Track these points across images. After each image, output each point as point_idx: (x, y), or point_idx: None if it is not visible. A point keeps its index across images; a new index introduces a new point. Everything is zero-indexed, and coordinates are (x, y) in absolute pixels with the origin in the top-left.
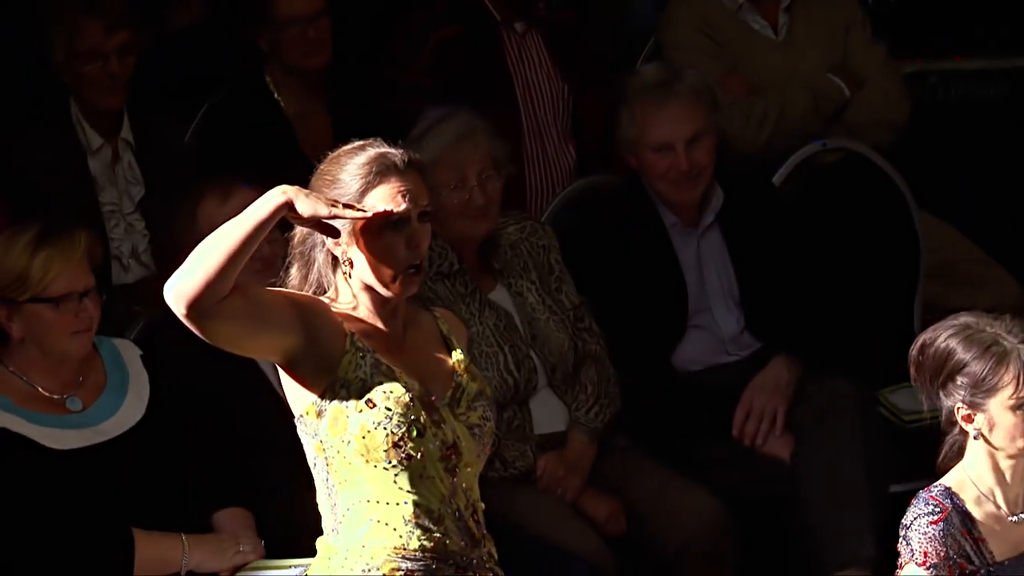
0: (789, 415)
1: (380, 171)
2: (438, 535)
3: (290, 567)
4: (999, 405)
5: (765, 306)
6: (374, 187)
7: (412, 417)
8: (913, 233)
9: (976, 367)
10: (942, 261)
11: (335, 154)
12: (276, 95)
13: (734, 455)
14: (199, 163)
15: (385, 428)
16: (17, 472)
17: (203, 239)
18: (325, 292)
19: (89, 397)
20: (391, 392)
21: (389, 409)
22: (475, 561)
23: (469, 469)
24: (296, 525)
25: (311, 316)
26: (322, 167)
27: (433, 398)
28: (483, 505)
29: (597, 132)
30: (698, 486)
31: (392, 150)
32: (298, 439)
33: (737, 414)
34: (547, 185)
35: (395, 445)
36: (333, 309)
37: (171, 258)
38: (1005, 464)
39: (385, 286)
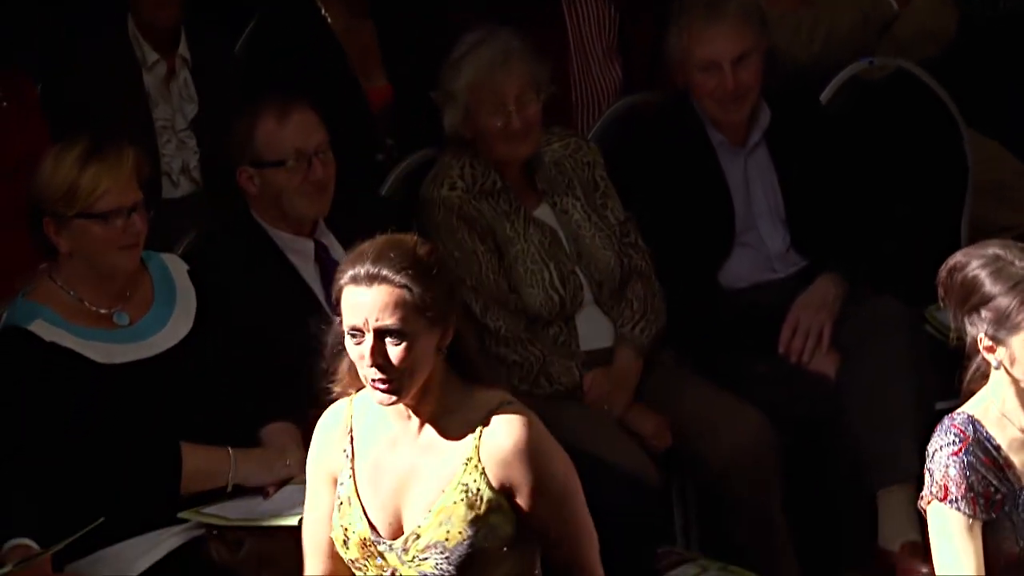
0: (835, 332)
1: (348, 277)
2: None
3: None
4: (1021, 342)
5: (811, 224)
6: (340, 291)
7: (351, 557)
8: (961, 150)
9: (1001, 302)
10: (989, 179)
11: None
12: (323, 11)
13: (780, 372)
14: (248, 74)
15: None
16: (66, 386)
17: (259, 159)
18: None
19: (137, 312)
20: (344, 519)
21: (343, 529)
22: None
23: None
24: None
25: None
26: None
27: (381, 540)
28: None
29: (644, 51)
30: (744, 402)
31: (362, 266)
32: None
33: (783, 331)
34: (592, 103)
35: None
36: (349, 403)
37: (224, 177)
38: None
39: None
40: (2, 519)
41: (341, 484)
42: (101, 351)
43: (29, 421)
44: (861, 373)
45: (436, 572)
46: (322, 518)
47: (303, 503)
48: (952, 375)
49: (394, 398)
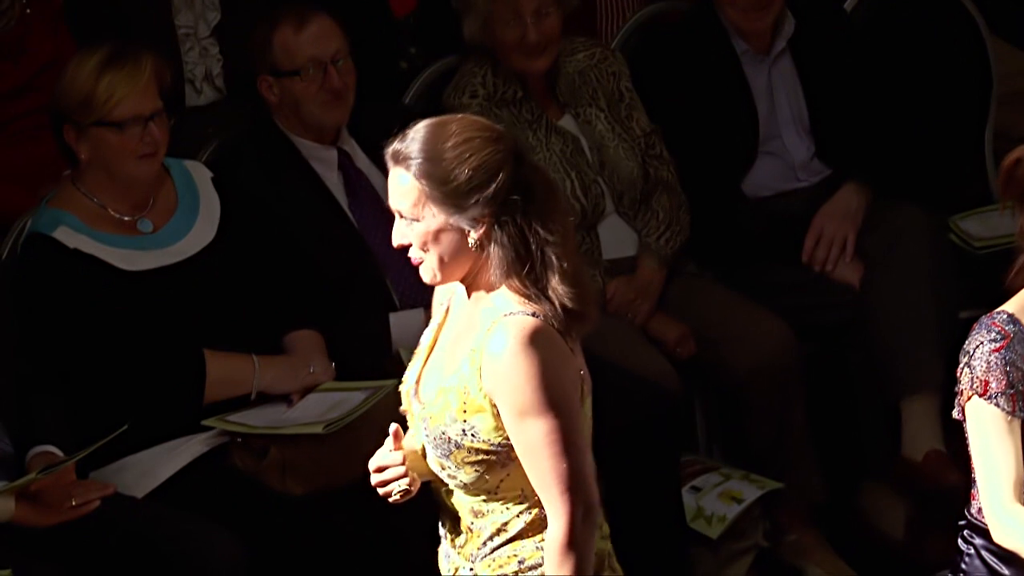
0: (859, 241)
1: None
2: (438, 521)
3: (360, 388)
4: None
5: (836, 133)
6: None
7: (402, 405)
8: (985, 59)
9: None
10: (1014, 88)
11: None
12: None
13: (803, 281)
14: None
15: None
16: (89, 292)
17: (276, 68)
18: None
19: (160, 219)
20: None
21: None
22: (448, 567)
23: (441, 483)
24: (367, 347)
25: None
26: None
27: (415, 399)
28: (471, 532)
29: None
30: (767, 311)
31: (390, 146)
32: (370, 265)
33: (807, 240)
34: (616, 11)
35: None
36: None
37: (245, 86)
38: None
39: None
40: (26, 426)
41: (426, 332)
42: (124, 257)
43: (53, 328)
44: (885, 282)
45: (427, 445)
46: None
47: (327, 411)
48: (976, 284)
49: (434, 278)
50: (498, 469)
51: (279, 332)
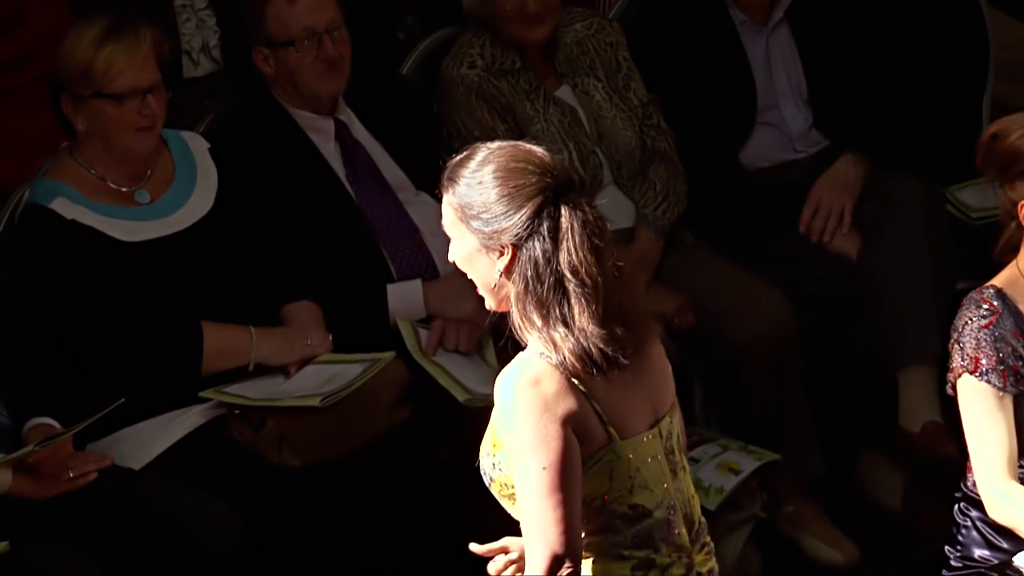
0: (856, 212)
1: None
2: None
3: (357, 361)
4: None
5: (833, 103)
6: None
7: None
8: (983, 30)
9: None
10: (1011, 59)
11: None
12: None
13: (801, 252)
14: None
15: None
16: (86, 263)
17: (271, 39)
18: None
19: (157, 190)
20: None
21: None
22: None
23: None
24: (364, 319)
25: None
26: None
27: None
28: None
29: None
30: (765, 282)
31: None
32: (367, 236)
33: (804, 211)
34: None
35: None
36: None
37: (241, 57)
38: None
39: None
40: (24, 398)
41: None
42: (122, 228)
43: (50, 300)
44: (882, 253)
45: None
46: None
47: (324, 383)
48: (973, 255)
49: (484, 302)
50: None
51: (276, 304)
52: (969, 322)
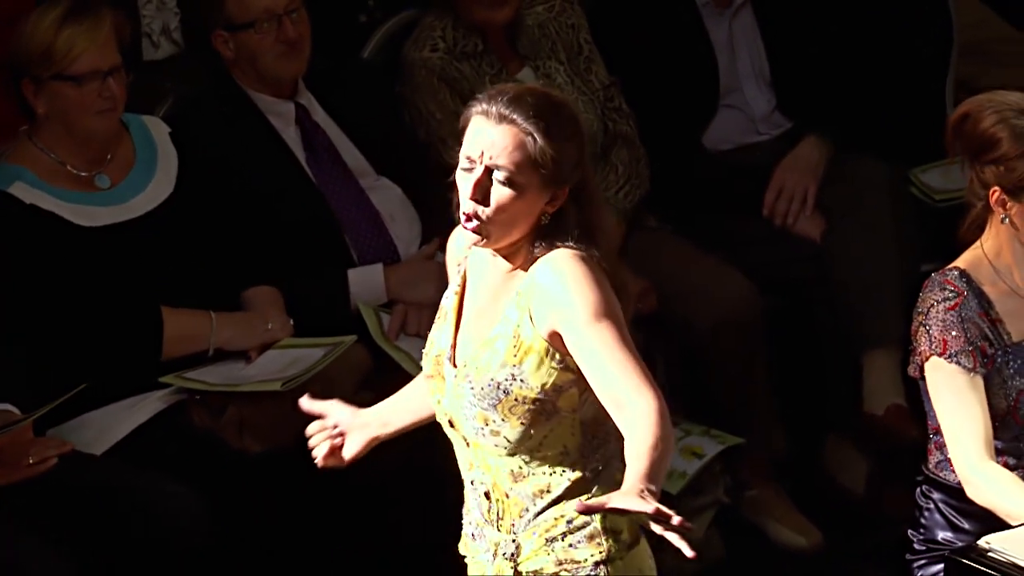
0: (820, 195)
1: (480, 109)
2: (466, 492)
3: (318, 345)
4: None
5: (796, 85)
6: (469, 119)
7: (428, 372)
8: (946, 10)
9: (1020, 165)
10: (975, 40)
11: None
12: None
13: (765, 234)
14: None
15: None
16: (46, 249)
17: (230, 22)
18: None
19: (117, 174)
20: (436, 330)
21: (432, 340)
22: (486, 545)
23: (477, 450)
24: (325, 304)
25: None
26: None
27: (450, 363)
28: (507, 499)
29: None
30: (729, 265)
31: (496, 103)
32: (328, 221)
33: (767, 194)
34: None
35: None
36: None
37: (201, 40)
38: None
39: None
40: None
41: (446, 298)
42: (82, 213)
43: (9, 284)
44: (846, 236)
45: (468, 405)
46: None
47: (285, 368)
48: (937, 237)
49: (483, 240)
50: (543, 422)
51: (237, 288)
52: (934, 304)
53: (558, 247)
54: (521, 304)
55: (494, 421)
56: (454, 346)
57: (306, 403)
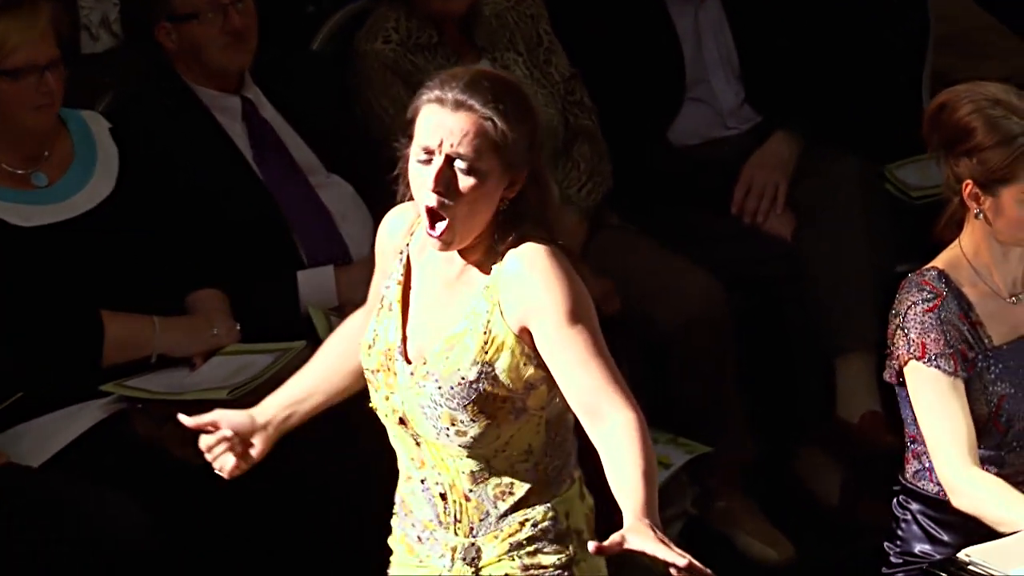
0: (791, 192)
1: (433, 96)
2: (406, 491)
3: (267, 351)
4: (1010, 196)
5: (766, 78)
6: (419, 108)
7: (370, 365)
8: (922, 1)
9: (995, 156)
10: (952, 30)
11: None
12: None
13: (733, 233)
14: None
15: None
16: None
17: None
18: None
19: (55, 172)
20: (381, 323)
21: (374, 333)
22: (440, 549)
23: (434, 449)
24: (274, 308)
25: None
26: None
27: (401, 358)
28: (467, 501)
29: None
30: (695, 264)
31: (450, 89)
32: (276, 221)
33: (736, 191)
34: None
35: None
36: (410, 217)
37: (142, 33)
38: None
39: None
40: None
41: (387, 287)
42: (18, 213)
43: None
44: (818, 235)
45: (431, 404)
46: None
47: (231, 375)
48: (913, 236)
49: (448, 244)
50: (511, 421)
51: (181, 292)
52: (912, 306)
53: (528, 239)
54: (491, 298)
55: (462, 421)
56: (404, 340)
57: (188, 419)
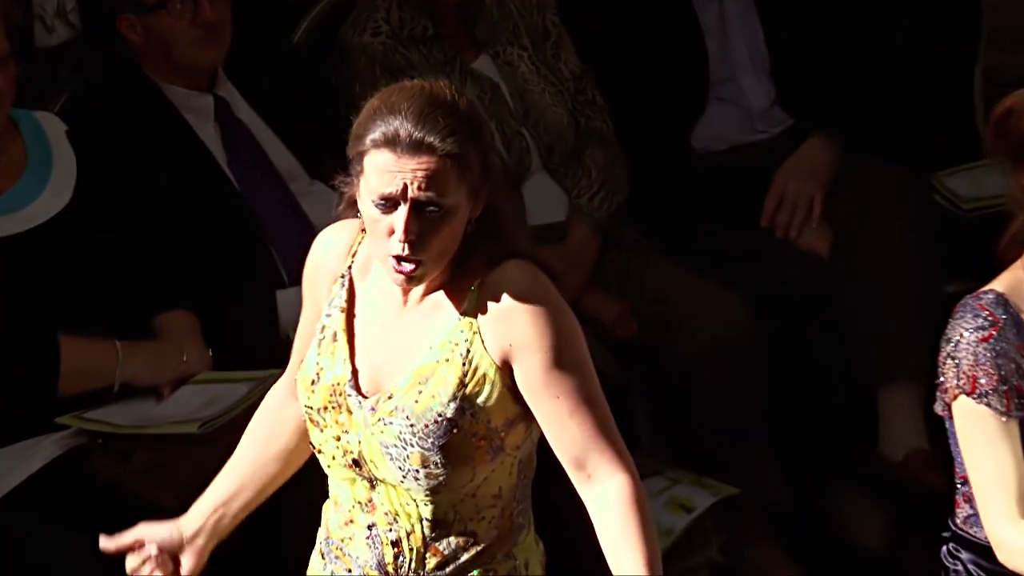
0: (828, 203)
1: (381, 137)
2: (343, 534)
3: (241, 380)
4: None
5: (800, 75)
6: (369, 151)
7: (313, 403)
8: None
9: None
10: (1006, 22)
11: (385, 90)
12: None
13: (763, 249)
14: None
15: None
16: None
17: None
18: None
19: (6, 180)
20: (323, 356)
21: (317, 367)
22: None
23: (393, 494)
24: (250, 331)
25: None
26: (369, 102)
27: (355, 392)
28: (423, 549)
29: None
30: (720, 285)
31: (400, 126)
32: (253, 233)
33: (767, 202)
34: None
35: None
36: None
37: (104, 26)
38: None
39: (381, 265)
40: None
41: (328, 315)
42: None
43: None
44: (859, 251)
45: (398, 444)
46: (307, 334)
47: (203, 406)
48: (964, 252)
49: (413, 281)
50: (487, 461)
51: (146, 313)
52: (964, 334)
53: (505, 257)
54: (469, 326)
55: (435, 463)
56: (355, 372)
57: (108, 542)
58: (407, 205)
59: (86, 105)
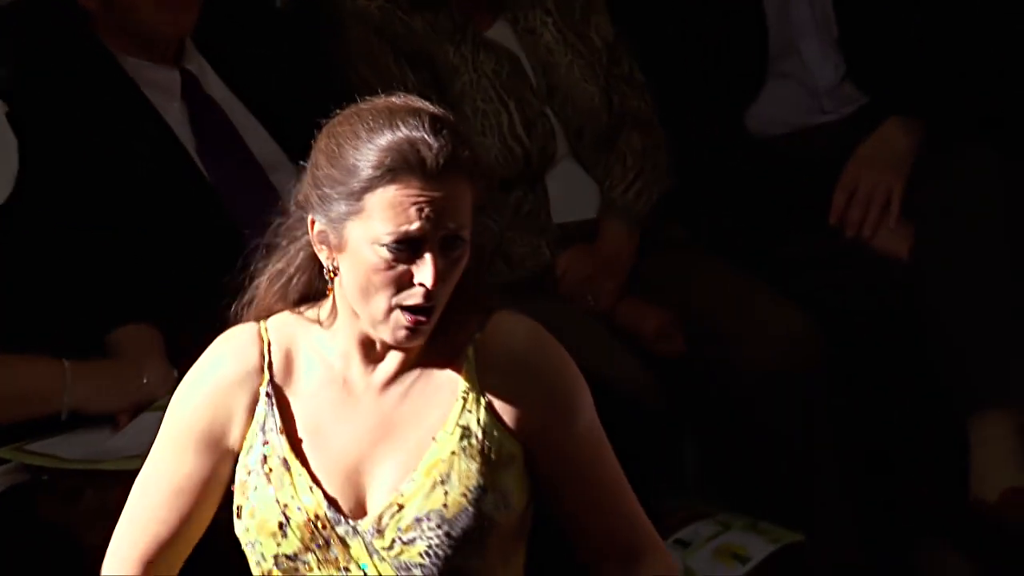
0: (908, 197)
1: (396, 167)
2: None
3: None
4: None
5: (874, 47)
6: (381, 186)
7: (285, 550)
8: None
9: None
10: None
11: (352, 112)
12: None
13: (832, 252)
14: None
15: (253, 552)
16: None
17: None
18: (297, 299)
19: None
20: (282, 493)
21: (282, 507)
22: None
23: None
24: None
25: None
26: (332, 129)
27: (342, 520)
28: None
29: None
30: (781, 295)
31: (429, 138)
32: (226, 231)
33: (837, 195)
34: None
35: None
36: (262, 330)
37: None
38: None
39: (373, 324)
40: None
41: (265, 443)
42: None
43: None
44: (944, 254)
45: (425, 561)
46: (172, 491)
47: None
48: None
49: (418, 336)
50: (519, 549)
51: (100, 327)
52: None
53: (499, 313)
54: (476, 401)
55: (477, 570)
56: (328, 498)
57: None
58: (436, 244)
59: (30, 82)
